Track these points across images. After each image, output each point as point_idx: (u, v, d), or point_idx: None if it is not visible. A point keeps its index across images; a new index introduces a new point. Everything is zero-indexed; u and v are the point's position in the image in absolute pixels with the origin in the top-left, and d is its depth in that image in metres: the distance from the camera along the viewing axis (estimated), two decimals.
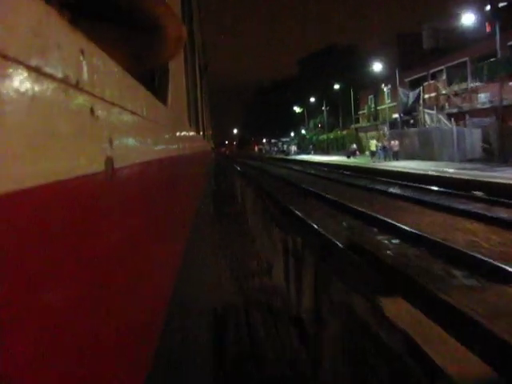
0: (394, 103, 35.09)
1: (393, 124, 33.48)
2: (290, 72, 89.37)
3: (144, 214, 0.67)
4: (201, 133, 4.02)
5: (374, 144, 29.00)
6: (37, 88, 0.30)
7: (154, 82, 1.12)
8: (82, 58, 0.40)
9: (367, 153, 32.23)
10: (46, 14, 0.33)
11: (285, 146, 68.29)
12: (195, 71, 3.65)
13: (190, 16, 3.03)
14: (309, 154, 50.33)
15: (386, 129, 32.84)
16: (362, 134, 42.98)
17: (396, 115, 33.47)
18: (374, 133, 38.95)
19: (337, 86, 49.61)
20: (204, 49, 6.49)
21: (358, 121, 47.09)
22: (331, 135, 52.06)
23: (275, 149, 79.07)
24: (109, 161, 0.47)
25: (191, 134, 2.31)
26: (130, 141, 0.61)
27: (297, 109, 66.65)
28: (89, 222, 0.40)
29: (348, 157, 33.08)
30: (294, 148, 60.59)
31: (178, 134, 1.36)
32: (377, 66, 37.99)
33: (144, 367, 0.58)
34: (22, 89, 0.28)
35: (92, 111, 0.42)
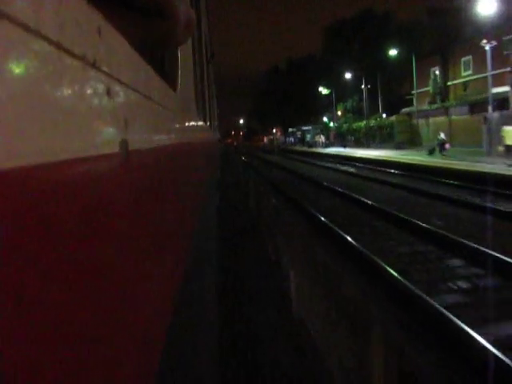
0: (480, 75, 23.76)
1: (474, 106, 23.25)
2: (309, 50, 75.07)
3: (155, 198, 0.67)
4: (208, 123, 4.01)
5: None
6: (57, 63, 0.30)
7: (164, 68, 1.12)
8: (99, 37, 0.40)
9: (436, 147, 21.98)
10: None
11: (308, 136, 55.60)
12: (202, 59, 3.62)
13: (197, 3, 3.01)
14: (344, 147, 38.25)
15: (489, 110, 20.25)
16: (418, 122, 31.51)
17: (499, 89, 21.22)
18: (443, 118, 27.88)
19: (377, 58, 38.32)
20: (210, 36, 6.45)
21: (406, 103, 35.64)
22: (372, 122, 38.80)
23: (291, 139, 67.95)
24: (123, 142, 0.47)
25: (199, 122, 2.30)
26: (144, 124, 0.61)
27: (323, 90, 51.66)
28: (101, 202, 0.40)
29: (430, 153, 22.04)
30: (322, 138, 47.09)
31: (187, 121, 1.36)
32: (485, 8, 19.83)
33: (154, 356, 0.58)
34: (43, 62, 0.28)
35: (108, 92, 0.42)
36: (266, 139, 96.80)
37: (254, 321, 3.70)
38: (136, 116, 0.55)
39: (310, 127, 60.06)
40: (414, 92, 33.93)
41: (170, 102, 0.94)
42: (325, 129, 53.19)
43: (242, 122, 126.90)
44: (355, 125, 43.41)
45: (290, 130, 69.44)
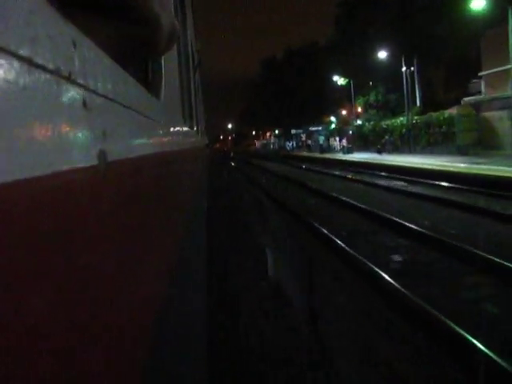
0: None
1: None
2: (307, 40, 56.99)
3: (137, 209, 0.67)
4: (195, 128, 4.00)
5: None
6: (28, 79, 0.30)
7: (147, 76, 1.12)
8: (74, 49, 0.40)
9: None
10: (37, 4, 0.32)
11: (321, 139, 40.30)
12: (188, 66, 3.63)
13: (183, 10, 3.01)
14: (379, 152, 26.85)
15: None
16: (490, 115, 21.21)
17: None
18: None
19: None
20: (197, 43, 6.46)
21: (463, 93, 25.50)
22: (418, 119, 26.76)
23: (291, 144, 53.61)
24: (102, 154, 0.47)
25: (185, 129, 2.30)
26: (123, 135, 0.61)
27: (339, 80, 37.77)
28: (80, 216, 0.40)
29: None
30: (343, 142, 33.91)
31: (171, 128, 1.35)
32: None
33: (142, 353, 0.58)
34: (13, 79, 0.28)
35: (84, 104, 0.42)
36: (258, 143, 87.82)
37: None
38: (115, 127, 0.55)
39: (320, 127, 46.42)
40: (483, 73, 23.04)
41: (153, 110, 0.94)
42: (339, 130, 40.22)
43: (230, 126, 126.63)
44: (385, 122, 31.57)
45: (295, 131, 54.05)
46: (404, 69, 27.53)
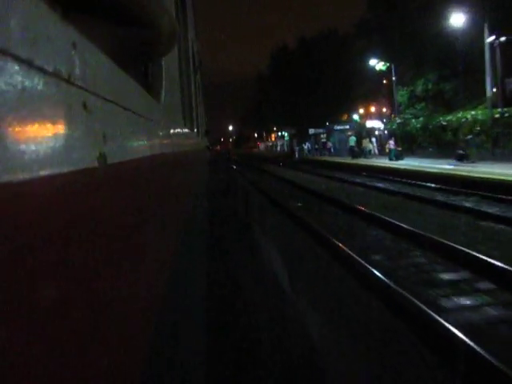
0: None
1: None
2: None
3: (136, 211, 0.67)
4: (195, 130, 4.01)
5: None
6: (28, 81, 0.30)
7: (148, 78, 1.12)
8: (74, 51, 0.40)
9: None
10: (36, 6, 0.32)
11: (352, 140, 29.12)
12: (189, 68, 3.63)
13: (184, 12, 3.02)
14: (460, 159, 17.72)
15: None
16: None
17: None
18: None
19: None
20: (198, 45, 6.47)
21: None
22: (507, 111, 18.74)
23: (307, 146, 41.14)
24: (102, 156, 0.47)
25: (185, 131, 2.30)
26: (123, 137, 0.61)
27: (377, 65, 28.17)
28: (81, 218, 0.40)
29: None
30: (391, 144, 23.85)
31: (171, 131, 1.35)
32: None
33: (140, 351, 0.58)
34: (13, 82, 0.28)
35: (85, 106, 0.42)
36: (262, 146, 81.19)
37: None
38: (115, 129, 0.55)
39: (348, 126, 36.07)
40: None
41: (153, 112, 0.94)
42: (369, 130, 31.77)
43: (231, 128, 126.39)
44: (446, 118, 23.57)
45: (313, 131, 41.77)
46: (491, 38, 18.45)
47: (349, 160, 25.94)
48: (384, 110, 34.46)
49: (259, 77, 63.73)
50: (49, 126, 0.34)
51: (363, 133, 31.64)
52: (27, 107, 0.30)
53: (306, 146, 41.99)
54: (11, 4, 0.29)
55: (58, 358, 0.33)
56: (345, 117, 40.53)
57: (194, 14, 5.04)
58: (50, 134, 0.34)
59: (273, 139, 75.50)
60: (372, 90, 34.01)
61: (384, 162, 21.60)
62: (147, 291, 0.71)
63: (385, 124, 31.55)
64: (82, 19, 0.51)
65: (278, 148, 65.21)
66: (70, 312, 0.36)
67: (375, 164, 21.44)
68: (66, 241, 0.36)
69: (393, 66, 26.10)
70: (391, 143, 23.87)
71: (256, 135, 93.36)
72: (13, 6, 0.29)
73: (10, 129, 0.28)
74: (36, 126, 0.31)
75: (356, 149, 28.46)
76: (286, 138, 58.97)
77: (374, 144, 29.69)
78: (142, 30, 0.77)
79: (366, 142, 29.59)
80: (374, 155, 28.23)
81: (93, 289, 0.42)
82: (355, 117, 38.53)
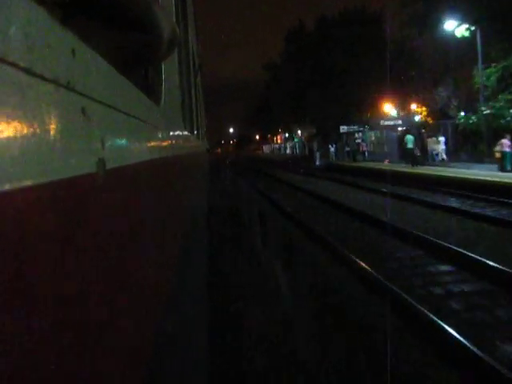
0: None
1: None
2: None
3: (135, 216, 0.67)
4: (195, 132, 4.01)
5: None
6: (27, 88, 0.30)
7: (147, 83, 1.12)
8: (73, 57, 0.40)
9: None
10: (35, 13, 0.32)
11: (409, 140, 19.64)
12: (189, 70, 3.63)
13: (185, 14, 3.02)
14: None
15: None
16: None
17: None
18: None
19: None
20: (198, 47, 6.48)
21: None
22: None
23: (334, 148, 32.69)
24: (101, 162, 0.46)
25: (185, 134, 2.30)
26: (123, 142, 0.61)
27: (458, 30, 18.40)
28: (80, 224, 0.40)
29: None
30: (505, 143, 14.53)
31: (171, 134, 1.35)
32: None
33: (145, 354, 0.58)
34: (12, 89, 0.28)
35: (83, 112, 0.42)
36: (265, 148, 73.78)
37: None
38: (114, 134, 0.55)
39: (400, 121, 26.77)
40: None
41: (153, 116, 0.94)
42: (435, 126, 23.94)
43: (231, 130, 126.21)
44: None
45: (345, 128, 32.15)
46: None
47: (409, 168, 18.19)
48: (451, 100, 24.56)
49: (270, 66, 50.85)
50: (47, 132, 0.34)
51: (421, 130, 22.86)
52: (26, 114, 0.30)
53: (333, 147, 32.85)
54: (10, 11, 0.29)
55: (58, 363, 0.32)
56: (382, 113, 30.33)
57: (194, 15, 5.05)
58: (48, 140, 0.34)
59: (279, 141, 67.76)
60: (432, 71, 24.77)
61: (484, 174, 13.04)
62: (148, 297, 0.71)
63: (453, 118, 22.81)
64: (81, 24, 0.51)
65: (288, 150, 56.83)
66: (67, 320, 0.36)
67: (469, 177, 12.91)
68: (65, 247, 0.36)
69: (478, 32, 17.35)
70: (506, 143, 14.99)
71: (258, 137, 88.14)
72: (12, 13, 0.29)
73: (10, 135, 0.28)
74: (35, 132, 0.31)
75: (417, 152, 20.00)
76: (296, 140, 51.83)
77: (443, 146, 21.24)
78: (142, 35, 0.77)
79: (432, 143, 21.31)
80: (443, 161, 20.57)
81: (91, 298, 0.42)
82: (412, 107, 28.43)
